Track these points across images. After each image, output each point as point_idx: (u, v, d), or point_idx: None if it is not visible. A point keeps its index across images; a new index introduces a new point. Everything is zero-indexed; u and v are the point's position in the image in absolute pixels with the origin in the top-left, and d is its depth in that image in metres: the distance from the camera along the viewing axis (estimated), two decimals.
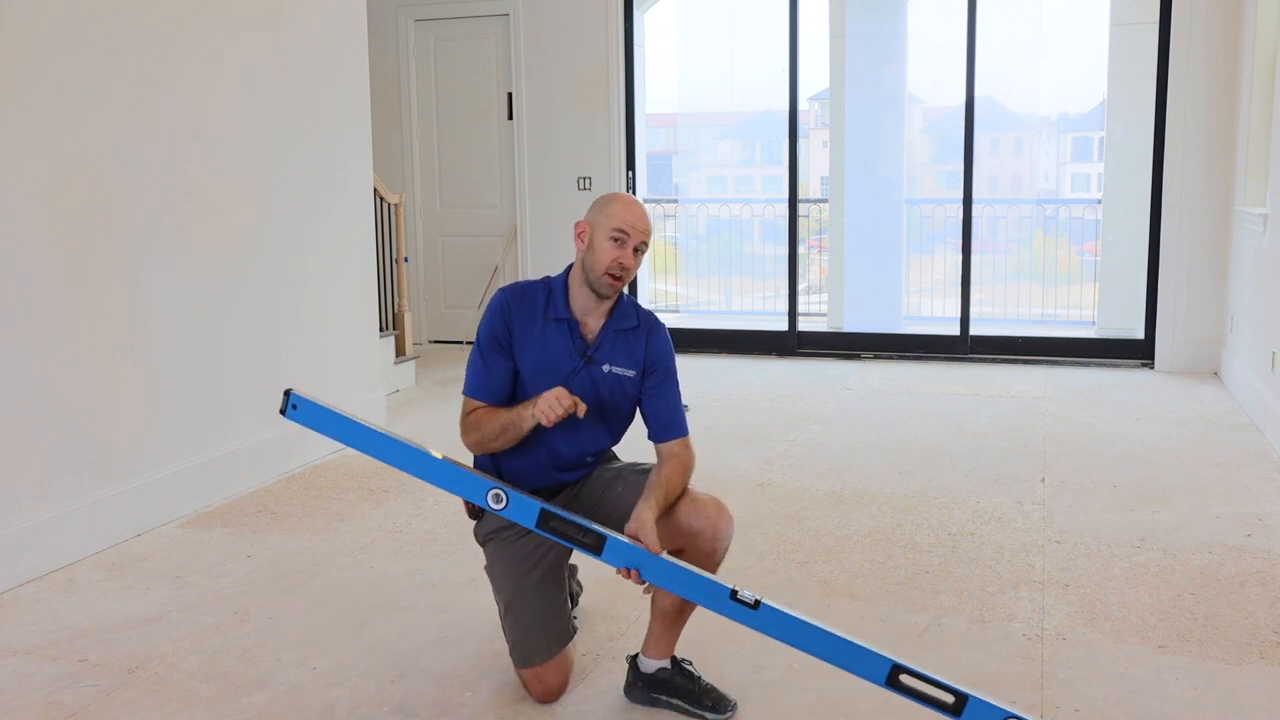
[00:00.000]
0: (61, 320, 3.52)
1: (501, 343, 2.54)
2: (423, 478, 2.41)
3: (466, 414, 2.55)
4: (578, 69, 7.27)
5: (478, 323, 2.62)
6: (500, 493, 2.34)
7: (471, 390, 2.56)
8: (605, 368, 2.55)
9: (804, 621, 2.24)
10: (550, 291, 2.57)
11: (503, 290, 2.59)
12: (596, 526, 2.35)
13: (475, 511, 2.67)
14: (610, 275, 2.48)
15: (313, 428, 2.38)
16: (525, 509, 2.35)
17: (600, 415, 2.58)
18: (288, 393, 2.36)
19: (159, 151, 3.90)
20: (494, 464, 2.60)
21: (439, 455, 2.39)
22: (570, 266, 2.58)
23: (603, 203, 2.54)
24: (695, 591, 2.30)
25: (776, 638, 2.27)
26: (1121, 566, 3.40)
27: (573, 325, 2.55)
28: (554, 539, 2.37)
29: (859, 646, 2.21)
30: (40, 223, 3.43)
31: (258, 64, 4.39)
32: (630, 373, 2.57)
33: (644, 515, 2.34)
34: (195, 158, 4.07)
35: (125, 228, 3.76)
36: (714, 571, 2.51)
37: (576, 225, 2.53)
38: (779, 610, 2.24)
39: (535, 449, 2.57)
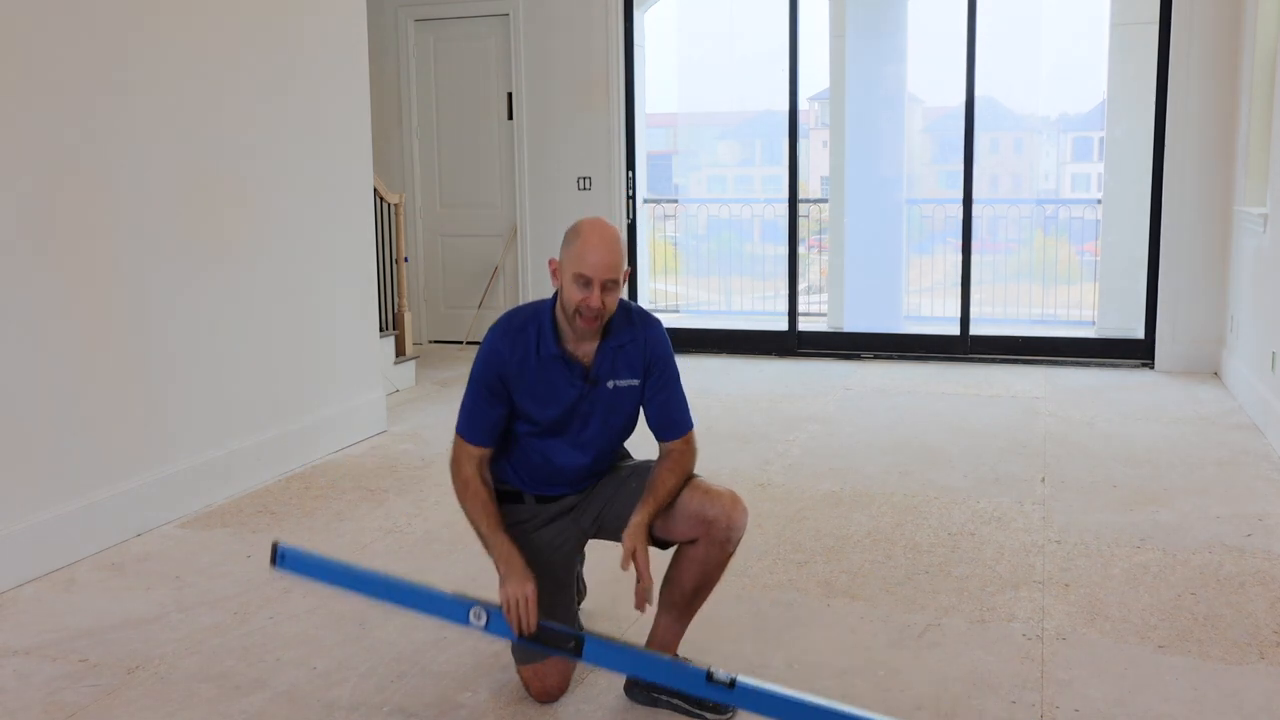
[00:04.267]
0: (62, 320, 3.52)
1: (495, 392, 2.51)
2: (417, 609, 2.52)
3: (460, 463, 2.54)
4: (578, 69, 7.26)
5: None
6: (480, 610, 2.41)
7: (462, 430, 2.55)
8: (610, 384, 2.54)
9: (784, 695, 2.21)
10: (540, 326, 2.51)
11: (494, 332, 2.54)
12: (574, 630, 2.43)
13: None
14: (580, 316, 2.43)
15: (303, 574, 2.52)
16: (505, 626, 2.41)
17: (604, 430, 2.60)
18: (275, 544, 2.51)
19: (160, 152, 3.89)
20: (515, 478, 2.62)
21: (429, 588, 2.50)
22: (557, 296, 2.53)
23: (569, 237, 2.47)
24: (670, 676, 2.34)
25: (758, 713, 2.26)
26: (1121, 566, 3.40)
27: (567, 359, 2.52)
28: (535, 646, 2.42)
29: (847, 714, 2.19)
30: (41, 223, 3.43)
31: (258, 64, 4.39)
32: (634, 381, 2.57)
33: (636, 521, 2.42)
34: (196, 158, 4.07)
35: (126, 228, 3.76)
36: (725, 564, 2.54)
37: (550, 261, 2.50)
38: (757, 687, 2.22)
39: (546, 468, 2.60)
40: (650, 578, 2.41)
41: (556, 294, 2.51)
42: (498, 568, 2.45)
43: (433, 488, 4.32)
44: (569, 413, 2.54)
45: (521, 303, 7.66)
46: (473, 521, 2.52)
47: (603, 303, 2.42)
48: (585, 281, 2.40)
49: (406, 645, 2.91)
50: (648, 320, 2.60)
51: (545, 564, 2.58)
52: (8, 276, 3.32)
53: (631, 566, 2.41)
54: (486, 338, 2.56)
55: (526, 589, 2.38)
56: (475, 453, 2.54)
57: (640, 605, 2.41)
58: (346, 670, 2.77)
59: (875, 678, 2.69)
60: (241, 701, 2.62)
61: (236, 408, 4.29)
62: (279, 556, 2.49)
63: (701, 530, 2.48)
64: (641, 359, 2.56)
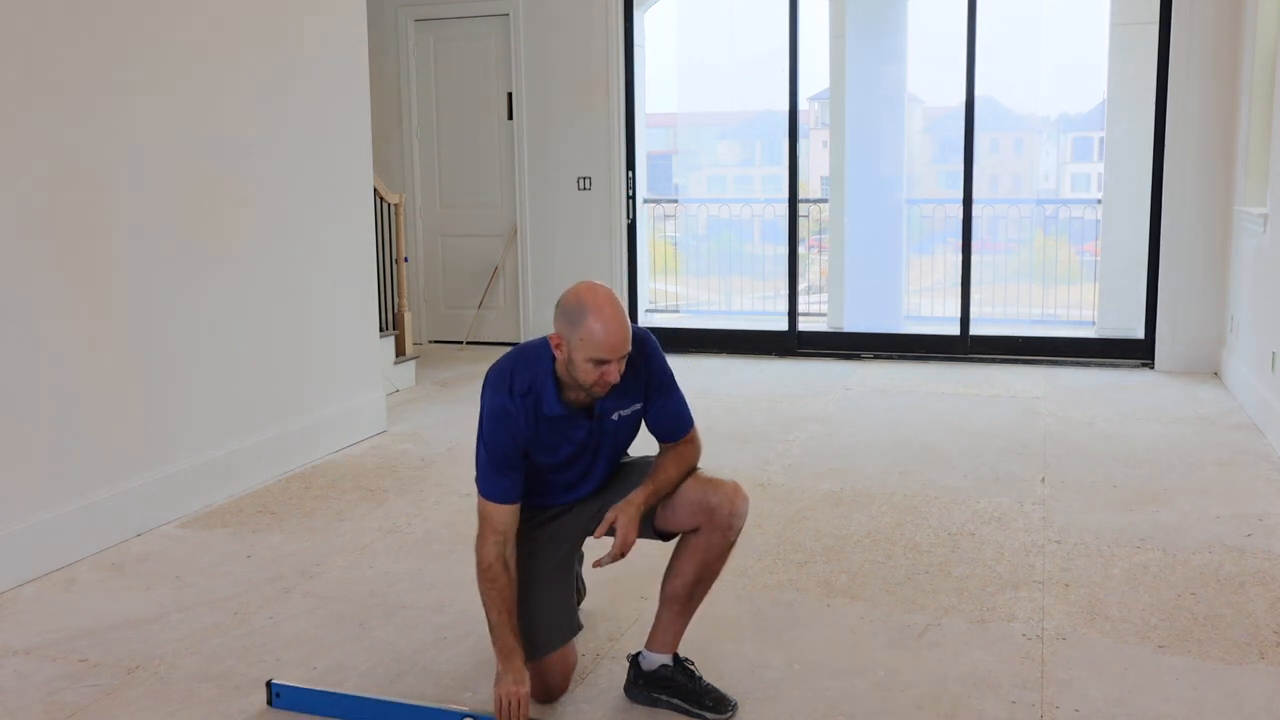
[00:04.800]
0: (62, 320, 3.52)
1: (513, 455, 2.46)
2: None
3: (485, 541, 2.45)
4: (578, 69, 7.26)
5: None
6: None
7: (488, 494, 2.47)
8: (614, 416, 2.54)
9: None
10: (542, 389, 2.44)
11: (500, 394, 2.45)
12: None
13: None
14: (597, 387, 2.40)
15: (301, 710, 2.56)
16: None
17: (614, 450, 2.62)
18: (269, 683, 2.59)
19: (161, 152, 3.90)
20: (531, 499, 2.60)
21: (424, 705, 2.53)
22: (553, 353, 2.43)
23: (573, 315, 2.35)
24: None
25: None
26: (1121, 566, 3.40)
27: (571, 413, 2.49)
28: None
29: None
30: (43, 223, 3.43)
31: (258, 64, 4.39)
32: (637, 405, 2.56)
33: (629, 497, 2.46)
34: (196, 158, 4.07)
35: (127, 228, 3.76)
36: (727, 554, 2.55)
37: (551, 337, 2.40)
38: None
39: (562, 487, 2.61)
40: (619, 555, 2.44)
41: (554, 356, 2.43)
42: (497, 661, 2.44)
43: (433, 488, 4.32)
44: (580, 449, 2.55)
45: (518, 310, 7.61)
46: (485, 605, 2.47)
47: (619, 373, 2.40)
48: (602, 361, 2.36)
49: (406, 645, 2.91)
50: (640, 340, 2.53)
51: (546, 560, 2.58)
52: (8, 276, 3.32)
53: (605, 538, 2.46)
54: (491, 398, 2.46)
55: (521, 691, 2.39)
56: (504, 518, 2.45)
57: (597, 561, 2.47)
58: (346, 670, 2.77)
59: (875, 678, 2.69)
60: (241, 701, 2.62)
61: (236, 408, 4.29)
62: (274, 695, 2.58)
63: (704, 518, 2.49)
64: (641, 384, 2.55)
